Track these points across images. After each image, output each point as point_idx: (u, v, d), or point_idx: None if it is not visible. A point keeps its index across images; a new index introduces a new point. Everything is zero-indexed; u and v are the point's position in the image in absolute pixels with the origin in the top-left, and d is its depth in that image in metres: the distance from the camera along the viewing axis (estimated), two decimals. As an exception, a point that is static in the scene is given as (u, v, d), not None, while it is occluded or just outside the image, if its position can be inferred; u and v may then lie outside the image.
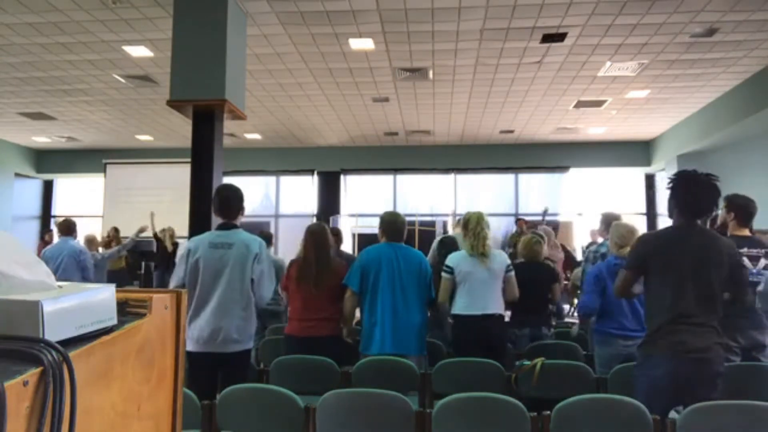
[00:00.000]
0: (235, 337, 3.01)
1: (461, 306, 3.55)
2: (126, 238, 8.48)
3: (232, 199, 3.19)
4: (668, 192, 2.68)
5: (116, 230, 9.08)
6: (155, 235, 9.19)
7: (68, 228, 5.63)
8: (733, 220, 3.41)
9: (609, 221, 3.96)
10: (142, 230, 7.68)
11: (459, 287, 3.58)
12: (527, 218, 9.88)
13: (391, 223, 3.61)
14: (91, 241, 7.10)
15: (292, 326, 3.62)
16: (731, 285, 2.58)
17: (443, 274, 3.63)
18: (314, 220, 11.92)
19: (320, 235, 3.69)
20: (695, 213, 2.59)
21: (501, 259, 3.67)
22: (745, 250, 3.31)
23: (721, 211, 3.51)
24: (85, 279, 5.33)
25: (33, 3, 5.47)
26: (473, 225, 3.64)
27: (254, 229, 4.19)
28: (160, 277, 9.12)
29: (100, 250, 7.45)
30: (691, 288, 2.48)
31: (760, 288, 2.83)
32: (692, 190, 2.60)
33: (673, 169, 10.19)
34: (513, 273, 3.68)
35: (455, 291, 3.60)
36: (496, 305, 3.56)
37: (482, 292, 3.53)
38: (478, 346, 3.37)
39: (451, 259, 3.66)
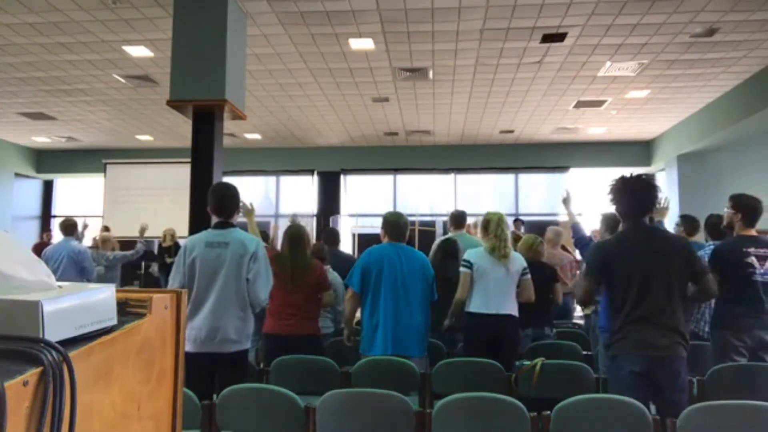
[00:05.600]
0: (233, 337, 3.00)
1: (475, 304, 3.56)
2: (119, 238, 8.45)
3: (227, 198, 3.18)
4: (610, 198, 2.76)
5: (107, 229, 9.07)
6: (160, 245, 9.24)
7: (69, 228, 5.63)
8: (739, 221, 3.41)
9: (609, 221, 3.96)
10: (143, 229, 7.65)
11: (475, 285, 3.59)
12: (527, 218, 9.90)
13: (394, 223, 3.61)
14: (105, 242, 7.08)
15: (270, 324, 3.65)
16: (691, 276, 2.62)
17: (462, 269, 3.65)
18: (314, 220, 11.93)
19: (296, 235, 3.78)
20: (641, 213, 2.68)
21: (518, 261, 3.69)
22: (752, 249, 3.31)
23: (727, 211, 3.52)
24: (83, 278, 5.33)
25: (33, 3, 5.47)
26: (494, 227, 3.66)
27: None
28: (165, 278, 9.12)
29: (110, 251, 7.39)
30: (648, 287, 2.53)
31: None
32: (635, 192, 2.68)
33: (674, 169, 10.20)
34: (529, 276, 3.69)
35: (472, 287, 3.61)
36: (510, 306, 3.57)
37: (497, 292, 3.54)
38: (489, 345, 3.37)
39: (471, 255, 3.67)
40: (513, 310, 3.58)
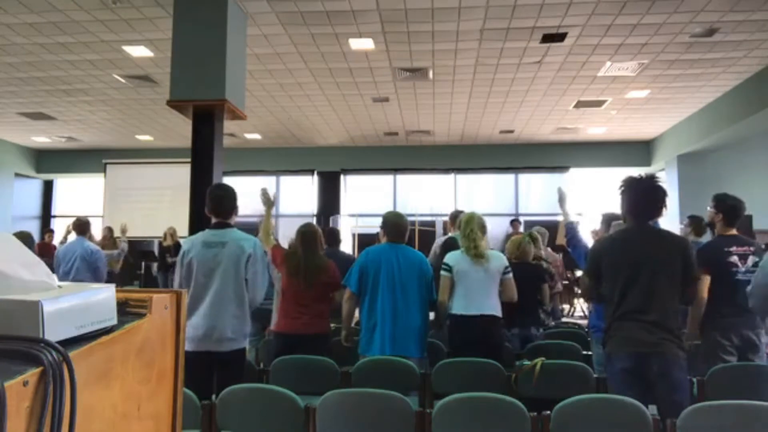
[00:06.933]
0: (230, 335, 3.02)
1: (457, 306, 3.54)
2: (119, 238, 8.50)
3: (225, 199, 3.20)
4: (620, 198, 2.78)
5: (110, 230, 9.09)
6: (161, 245, 9.25)
7: (81, 227, 5.59)
8: (720, 220, 3.44)
9: (609, 221, 3.96)
10: (124, 230, 7.70)
11: (456, 287, 3.57)
12: (527, 218, 9.91)
13: (394, 224, 3.59)
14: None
15: (281, 323, 3.66)
16: (683, 279, 2.62)
17: (442, 272, 3.61)
18: (314, 220, 11.93)
19: (309, 235, 3.77)
20: (645, 215, 2.70)
21: (499, 260, 3.65)
22: (734, 248, 3.33)
23: (709, 210, 3.55)
24: (96, 279, 5.30)
25: (33, 3, 5.47)
26: (464, 226, 3.63)
27: (253, 230, 4.20)
28: (164, 278, 9.12)
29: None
30: (639, 285, 2.54)
31: (748, 288, 2.86)
32: (640, 193, 2.70)
33: (674, 169, 10.20)
34: (511, 275, 3.66)
35: (453, 290, 3.59)
36: (492, 306, 3.53)
37: (478, 293, 3.51)
38: (474, 346, 3.36)
39: (450, 258, 3.64)
40: (495, 310, 3.54)
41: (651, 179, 2.73)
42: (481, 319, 3.48)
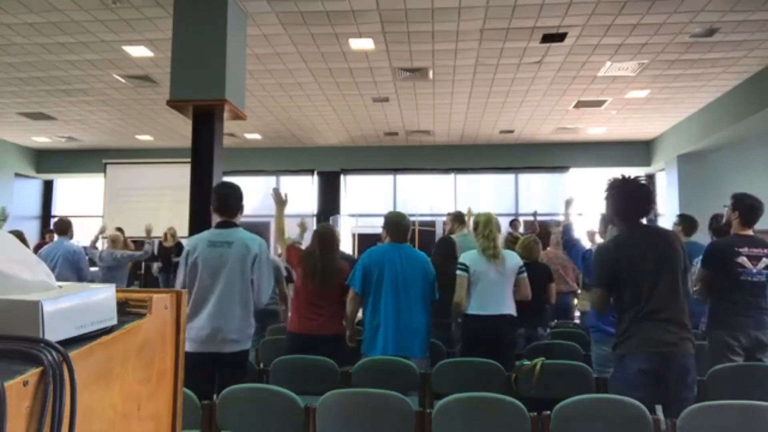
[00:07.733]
0: (234, 337, 2.99)
1: (475, 306, 3.54)
2: (131, 238, 8.51)
3: (231, 197, 3.15)
4: (604, 201, 2.75)
5: (120, 230, 9.09)
6: (161, 245, 9.24)
7: (63, 228, 5.60)
8: (737, 219, 3.41)
9: (608, 221, 3.97)
10: (149, 231, 7.70)
11: (472, 287, 3.58)
12: (527, 218, 9.91)
13: (396, 224, 3.59)
14: (114, 241, 7.09)
15: (295, 324, 3.64)
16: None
17: (458, 272, 3.62)
18: (314, 220, 11.93)
19: (328, 236, 3.75)
20: (637, 215, 2.68)
21: (514, 260, 3.68)
22: (745, 249, 3.31)
23: (726, 209, 3.52)
24: (80, 279, 5.30)
25: (33, 3, 5.47)
26: (482, 227, 3.65)
27: (252, 230, 4.19)
28: (165, 279, 9.11)
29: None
30: (654, 285, 2.53)
31: None
32: (627, 194, 2.68)
33: (674, 169, 10.20)
34: (525, 274, 3.69)
35: (469, 290, 3.60)
36: (508, 305, 3.56)
37: (495, 293, 3.54)
38: (488, 345, 3.36)
39: (466, 257, 3.66)
40: (511, 309, 3.58)
41: (636, 179, 2.72)
42: (498, 318, 3.49)
